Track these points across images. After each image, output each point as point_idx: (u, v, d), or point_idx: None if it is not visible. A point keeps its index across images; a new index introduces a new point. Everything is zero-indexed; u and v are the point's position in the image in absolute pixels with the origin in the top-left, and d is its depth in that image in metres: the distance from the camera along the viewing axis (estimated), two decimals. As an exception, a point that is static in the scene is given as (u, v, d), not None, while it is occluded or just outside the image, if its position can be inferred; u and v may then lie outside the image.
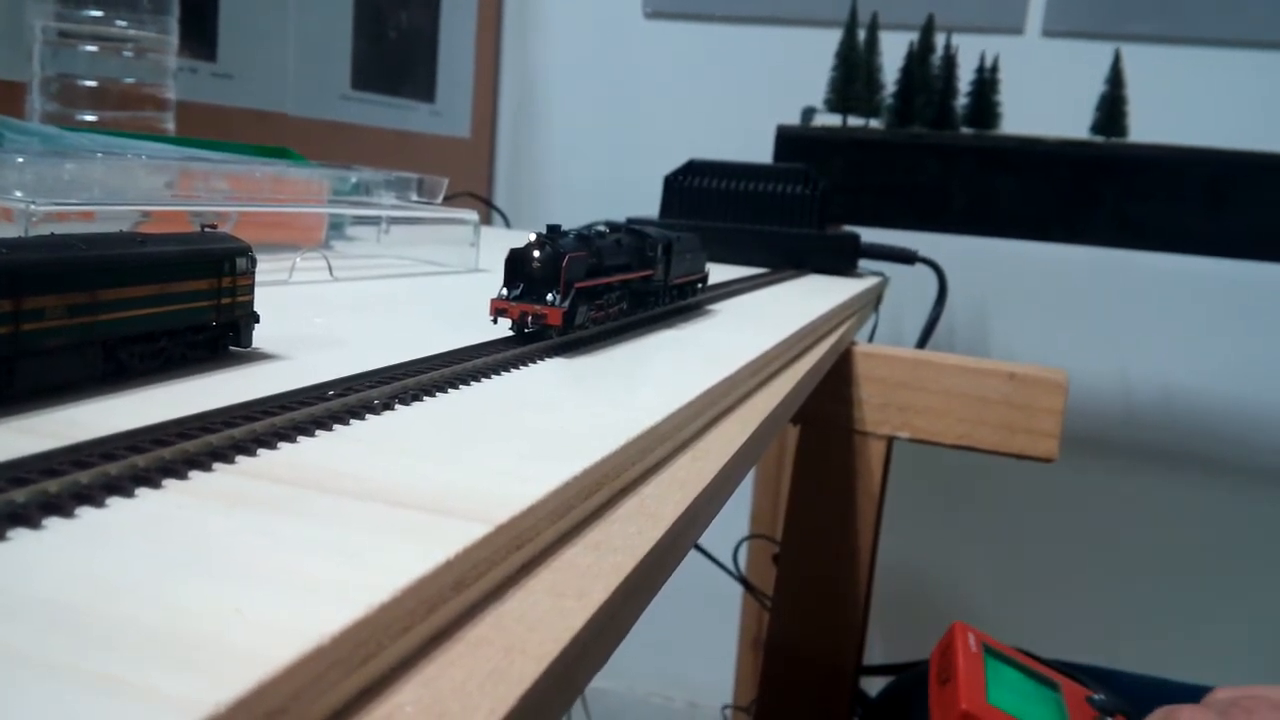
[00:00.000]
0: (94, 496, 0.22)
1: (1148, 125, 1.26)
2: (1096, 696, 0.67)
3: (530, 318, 0.44)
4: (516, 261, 0.45)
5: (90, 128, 0.82)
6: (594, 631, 0.24)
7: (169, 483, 0.24)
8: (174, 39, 0.91)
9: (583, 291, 0.46)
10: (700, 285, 0.65)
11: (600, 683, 1.80)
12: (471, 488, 0.26)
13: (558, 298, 0.44)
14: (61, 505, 0.22)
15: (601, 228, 0.53)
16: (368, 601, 0.19)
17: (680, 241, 0.58)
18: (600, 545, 0.28)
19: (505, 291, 0.45)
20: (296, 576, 0.20)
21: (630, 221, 1.04)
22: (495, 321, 0.45)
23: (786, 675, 0.94)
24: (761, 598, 1.28)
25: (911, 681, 0.87)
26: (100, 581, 0.19)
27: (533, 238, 0.45)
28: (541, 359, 0.44)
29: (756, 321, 0.66)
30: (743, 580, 1.33)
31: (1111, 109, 1.25)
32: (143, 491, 0.24)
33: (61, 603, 0.18)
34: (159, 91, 0.90)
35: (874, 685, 0.98)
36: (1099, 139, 1.25)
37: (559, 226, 0.47)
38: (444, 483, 0.26)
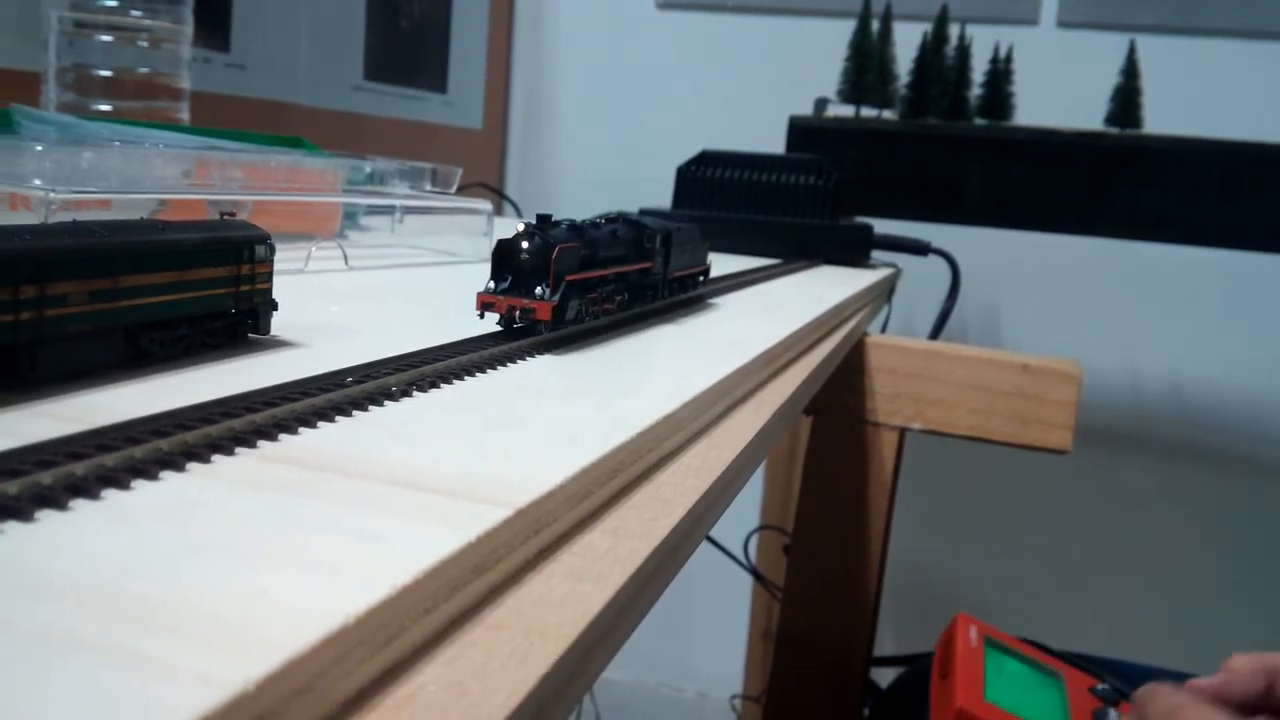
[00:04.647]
0: (119, 479, 0.23)
1: (1162, 117, 1.26)
2: (1100, 686, 0.67)
3: (518, 312, 0.42)
4: (504, 253, 0.43)
5: (105, 118, 0.83)
6: (612, 615, 0.24)
7: (192, 466, 0.24)
8: (188, 29, 0.91)
9: (574, 285, 0.43)
10: (702, 278, 0.63)
11: (609, 673, 1.80)
12: (490, 473, 0.27)
13: (547, 291, 0.42)
14: (87, 488, 0.22)
15: (598, 219, 0.51)
16: (390, 583, 0.19)
17: (680, 233, 0.56)
18: (617, 531, 0.28)
19: (493, 284, 0.43)
20: (320, 559, 0.20)
21: (642, 212, 1.04)
22: (482, 316, 0.43)
23: (797, 666, 0.94)
24: (772, 589, 1.28)
25: (922, 672, 0.88)
26: (127, 562, 0.19)
27: (521, 227, 0.43)
28: (549, 351, 0.43)
29: (766, 313, 0.66)
30: (753, 571, 1.33)
31: (1126, 100, 1.24)
32: (167, 474, 0.24)
33: (90, 583, 0.18)
34: (173, 82, 0.90)
35: (884, 676, 0.98)
36: (1113, 130, 1.24)
37: (550, 216, 0.45)
38: (463, 468, 0.27)
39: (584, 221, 0.48)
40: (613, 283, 0.48)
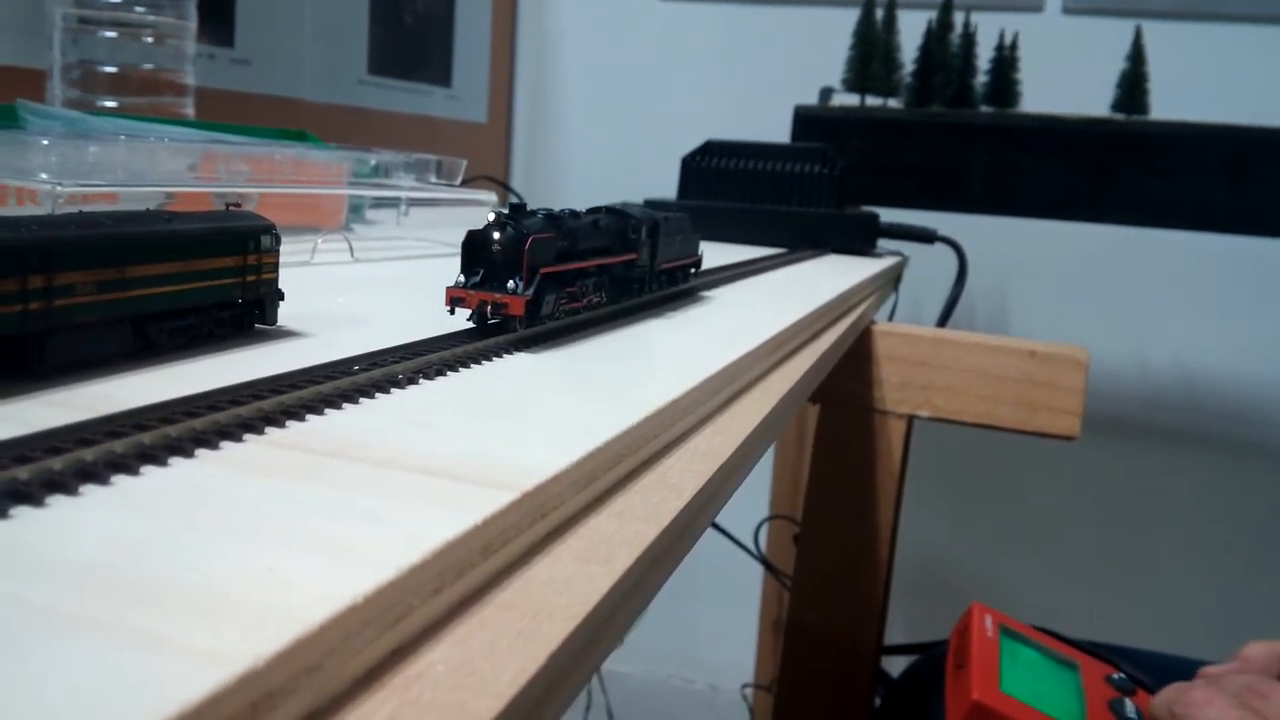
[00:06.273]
0: (128, 465, 0.23)
1: (1169, 102, 1.25)
2: (1116, 675, 0.66)
3: (490, 307, 0.40)
4: (475, 244, 0.40)
5: (110, 113, 0.83)
6: (619, 597, 0.24)
7: (201, 452, 0.25)
8: (193, 25, 0.91)
9: (550, 277, 0.41)
10: (693, 270, 0.60)
11: (620, 666, 1.81)
12: (497, 458, 0.27)
13: (520, 285, 0.39)
14: (97, 473, 0.22)
15: (578, 209, 0.48)
16: (398, 564, 0.19)
17: (668, 223, 0.53)
18: (624, 514, 0.28)
19: (463, 278, 0.40)
20: (329, 540, 0.20)
21: (647, 203, 1.04)
22: (453, 311, 0.40)
23: (808, 655, 0.94)
24: (782, 578, 1.29)
25: (933, 661, 0.88)
26: (138, 544, 0.19)
27: (492, 217, 0.41)
28: (531, 346, 0.42)
29: (761, 305, 0.66)
30: (763, 561, 1.33)
31: (1132, 86, 1.24)
32: (176, 460, 0.24)
33: (101, 564, 0.18)
34: (178, 77, 0.90)
35: (896, 665, 0.98)
36: (1120, 116, 1.24)
37: (524, 205, 0.42)
38: (470, 453, 0.27)
39: (563, 211, 0.45)
40: (593, 275, 0.46)
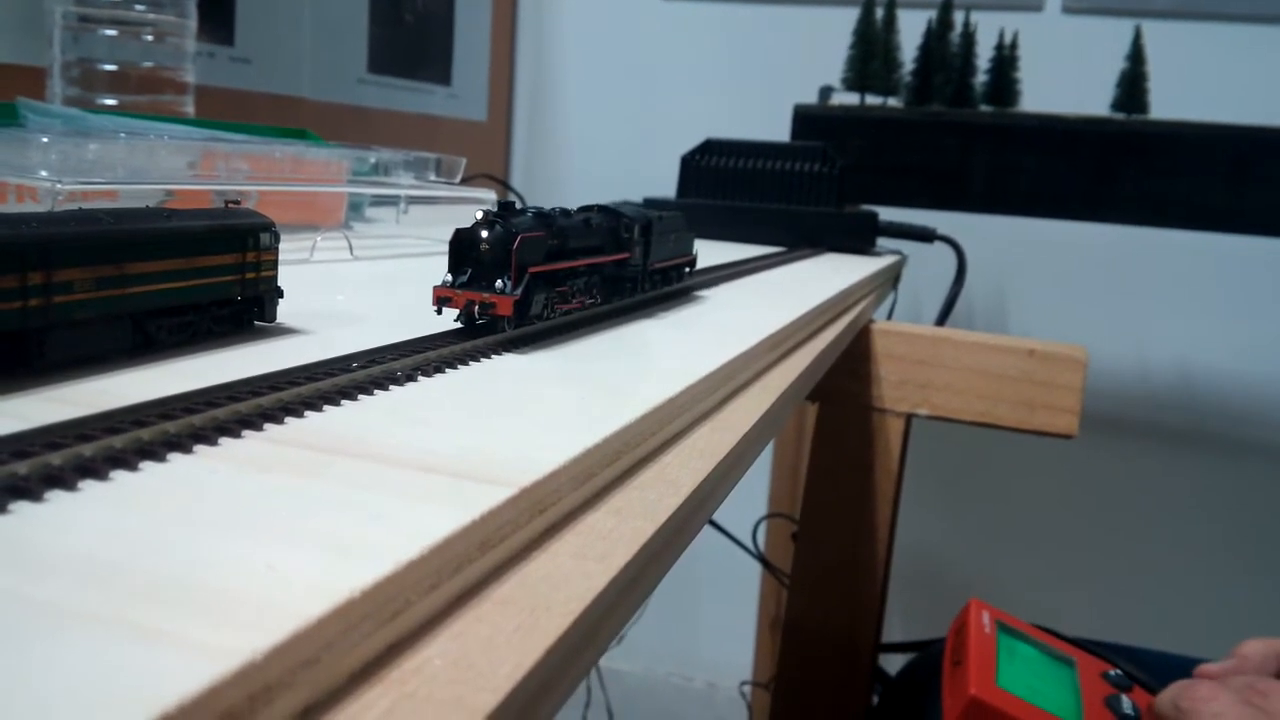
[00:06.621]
0: (127, 460, 0.23)
1: (1169, 102, 1.25)
2: (1112, 672, 0.67)
3: (478, 307, 0.39)
4: (463, 243, 0.40)
5: (110, 112, 0.83)
6: (616, 593, 0.24)
7: (200, 448, 0.25)
8: (193, 23, 0.91)
9: (539, 277, 0.40)
10: (688, 269, 0.60)
11: (618, 664, 1.81)
12: (495, 454, 0.27)
13: (508, 284, 0.39)
14: (95, 469, 0.22)
15: (570, 208, 0.48)
16: (395, 559, 0.19)
17: (662, 222, 0.53)
18: (621, 511, 0.28)
19: (450, 278, 0.40)
20: (327, 536, 0.20)
21: (646, 201, 1.04)
22: (440, 311, 0.40)
23: (806, 653, 0.94)
24: (780, 576, 1.29)
25: (930, 659, 0.88)
26: (136, 539, 0.19)
27: (480, 216, 0.40)
28: (525, 346, 0.41)
29: (756, 304, 0.66)
30: (762, 559, 1.33)
31: (1132, 86, 1.24)
32: (174, 456, 0.24)
33: (99, 559, 0.18)
34: (178, 75, 0.91)
35: (893, 663, 0.98)
36: (1119, 116, 1.24)
37: (513, 204, 0.42)
38: (468, 449, 0.27)
39: (553, 209, 0.45)
40: (584, 275, 0.45)
